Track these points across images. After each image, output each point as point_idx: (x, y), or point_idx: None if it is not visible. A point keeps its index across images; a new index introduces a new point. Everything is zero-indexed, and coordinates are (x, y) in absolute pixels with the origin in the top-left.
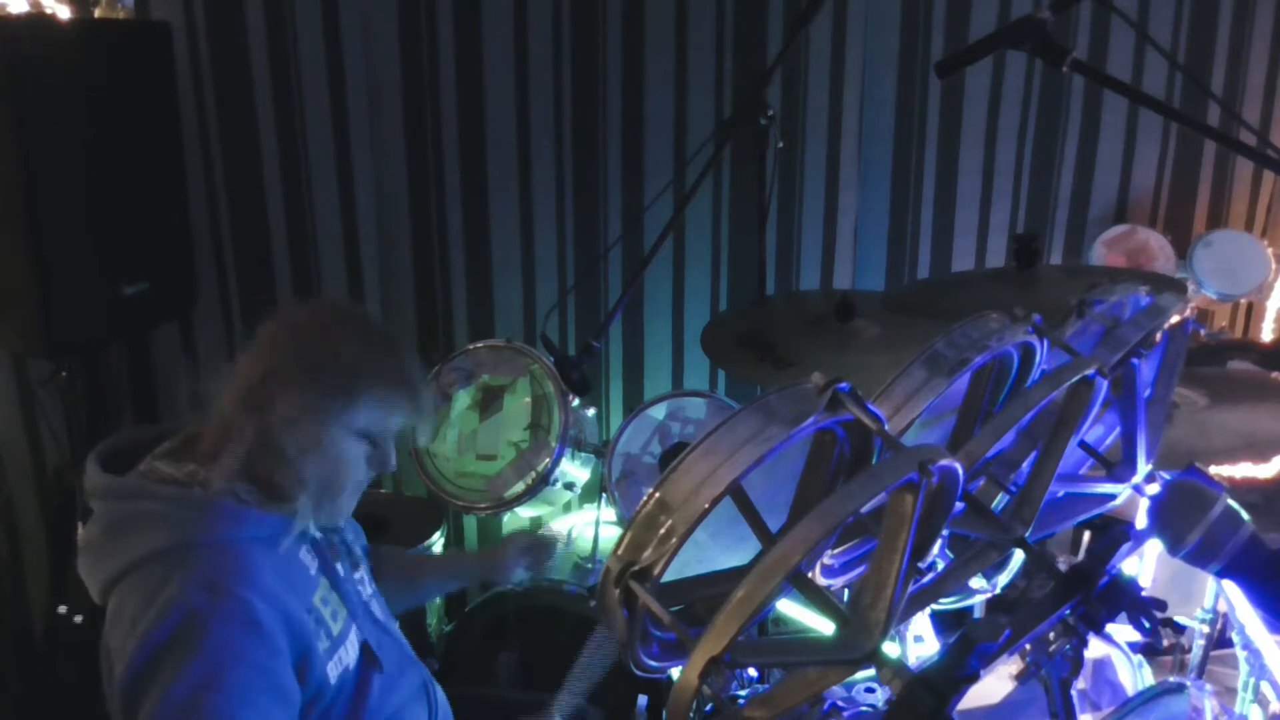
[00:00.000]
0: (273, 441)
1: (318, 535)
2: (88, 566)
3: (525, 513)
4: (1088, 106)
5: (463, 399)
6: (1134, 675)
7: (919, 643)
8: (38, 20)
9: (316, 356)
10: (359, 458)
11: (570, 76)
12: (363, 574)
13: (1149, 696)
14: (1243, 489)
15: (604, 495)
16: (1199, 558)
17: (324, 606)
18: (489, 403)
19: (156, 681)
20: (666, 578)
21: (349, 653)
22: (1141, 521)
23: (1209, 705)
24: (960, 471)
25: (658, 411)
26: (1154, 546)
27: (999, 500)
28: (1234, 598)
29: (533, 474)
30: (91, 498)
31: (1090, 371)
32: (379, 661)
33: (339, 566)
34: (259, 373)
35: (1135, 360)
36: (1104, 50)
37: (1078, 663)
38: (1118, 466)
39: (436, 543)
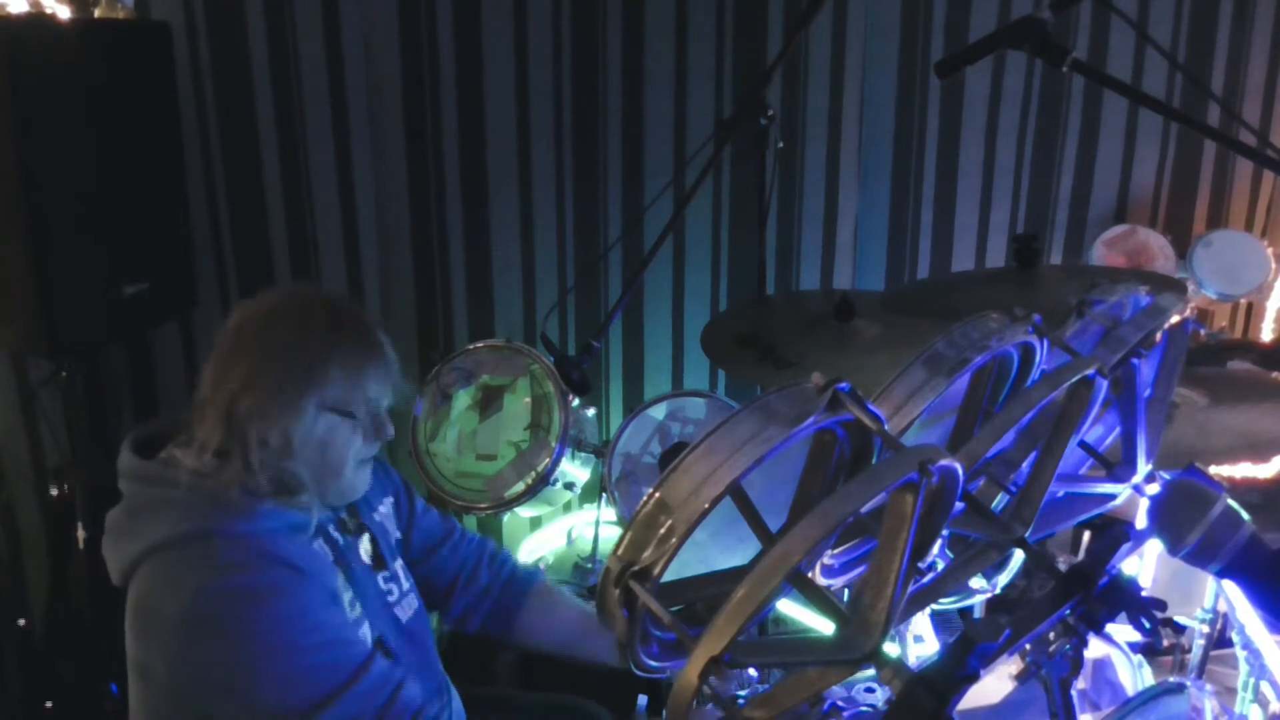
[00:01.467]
0: (256, 441)
1: (333, 532)
2: (109, 546)
3: (525, 513)
4: (1088, 107)
5: (463, 399)
6: (1134, 675)
7: (919, 643)
8: (38, 20)
9: (266, 349)
10: (346, 433)
11: (570, 76)
12: (394, 570)
13: (1149, 696)
14: (1243, 489)
15: (604, 495)
16: (1199, 558)
17: (344, 592)
18: (489, 403)
19: (214, 651)
20: (666, 578)
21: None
22: (1141, 521)
23: (1209, 705)
24: (960, 471)
25: (658, 411)
26: (1154, 546)
27: (999, 500)
28: (1234, 598)
29: (533, 474)
30: (120, 478)
31: (1090, 371)
32: (393, 658)
33: (355, 565)
34: (218, 376)
35: (1135, 360)
36: (1104, 50)
37: (1078, 663)
38: (1118, 466)
39: None
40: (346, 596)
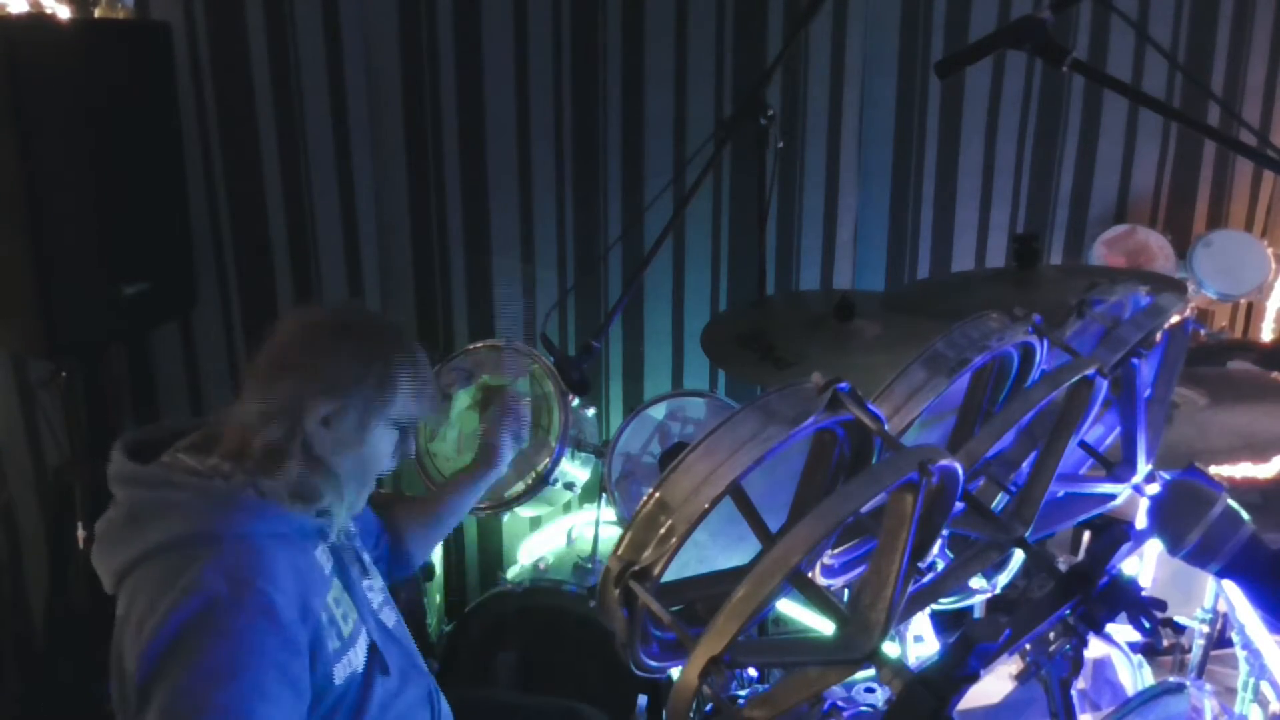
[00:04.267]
0: (308, 443)
1: (333, 539)
2: (104, 552)
3: (525, 513)
4: (1088, 107)
5: (463, 399)
6: (1134, 675)
7: (919, 643)
8: (38, 20)
9: (347, 356)
10: (390, 448)
11: (570, 76)
12: (373, 582)
13: (1149, 696)
14: (1243, 489)
15: (604, 495)
16: (1199, 558)
17: (336, 607)
18: (489, 403)
19: (172, 668)
20: (666, 578)
21: (357, 655)
22: (1141, 521)
23: (1209, 705)
24: (960, 471)
25: (658, 411)
26: (1154, 546)
27: (999, 500)
28: (1234, 598)
29: (533, 474)
30: (114, 484)
31: (1090, 371)
32: (386, 665)
33: (352, 571)
34: (286, 377)
35: (1135, 360)
36: (1104, 50)
37: (1078, 663)
38: (1118, 466)
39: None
40: (339, 611)
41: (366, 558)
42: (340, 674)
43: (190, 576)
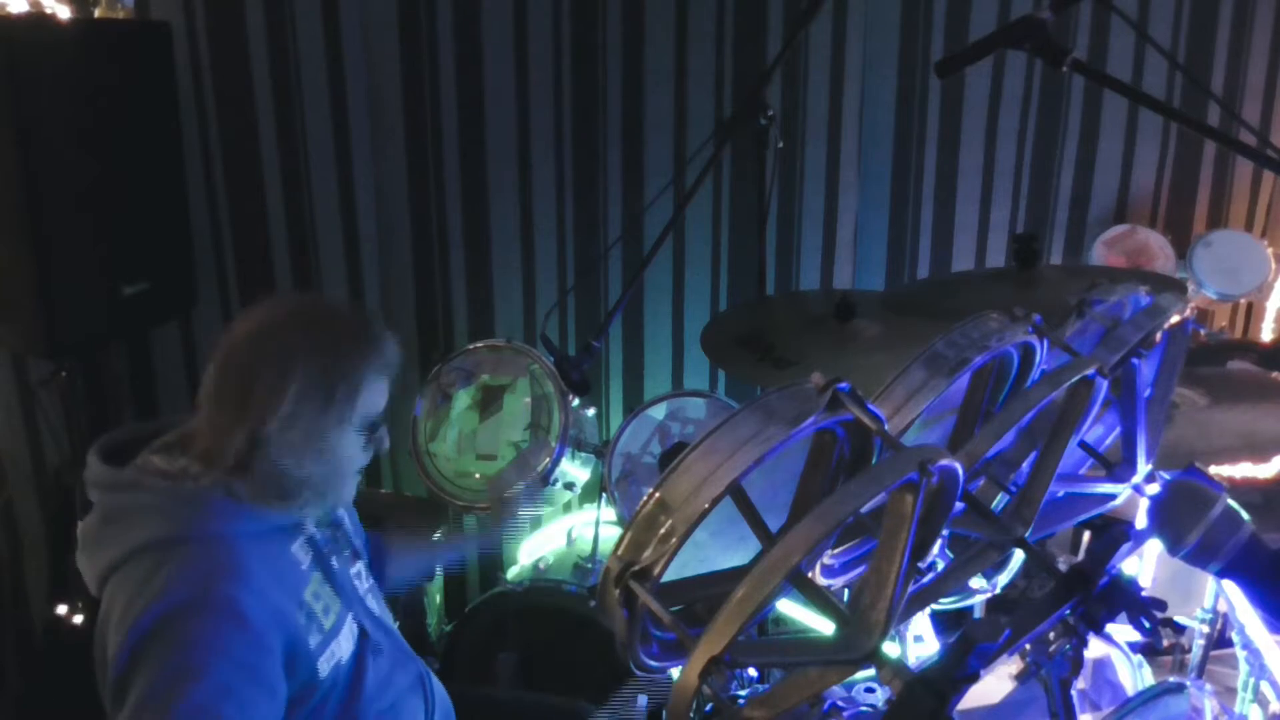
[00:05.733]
0: (270, 446)
1: (313, 531)
2: (85, 557)
3: (525, 513)
4: (1088, 106)
5: (463, 399)
6: (1134, 675)
7: (919, 643)
8: (38, 20)
9: (304, 357)
10: (358, 445)
11: (570, 76)
12: (360, 568)
13: (1149, 696)
14: (1243, 489)
15: (604, 495)
16: (1199, 558)
17: (315, 601)
18: (489, 403)
19: (141, 670)
20: (666, 578)
21: (343, 646)
22: (1141, 521)
23: (1209, 705)
24: (960, 471)
25: (658, 411)
26: (1154, 546)
27: (999, 500)
28: (1234, 598)
29: (533, 474)
30: (90, 488)
31: (1090, 371)
32: (378, 648)
33: (334, 560)
34: (244, 380)
35: (1135, 360)
36: (1104, 50)
37: (1078, 663)
38: (1118, 466)
39: None
40: (319, 605)
41: (357, 543)
42: (325, 667)
43: (157, 582)
